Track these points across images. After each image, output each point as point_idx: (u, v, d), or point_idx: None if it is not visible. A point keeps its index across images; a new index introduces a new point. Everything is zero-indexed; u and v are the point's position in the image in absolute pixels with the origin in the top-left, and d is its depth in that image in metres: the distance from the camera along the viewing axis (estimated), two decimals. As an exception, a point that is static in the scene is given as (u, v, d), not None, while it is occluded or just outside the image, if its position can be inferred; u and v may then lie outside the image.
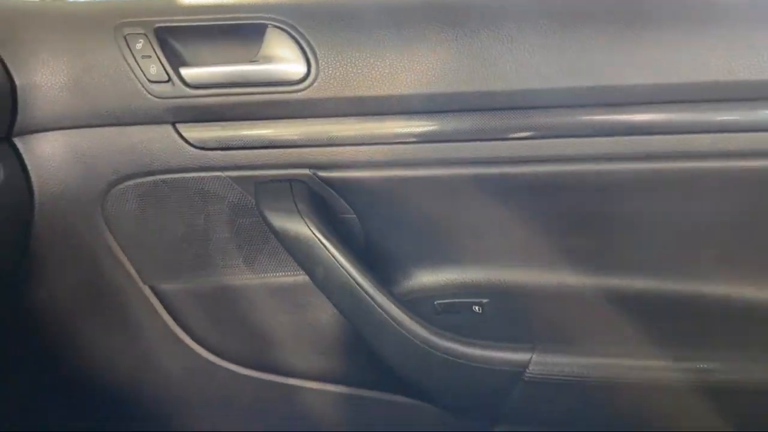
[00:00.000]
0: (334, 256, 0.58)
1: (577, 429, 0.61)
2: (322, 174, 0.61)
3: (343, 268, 0.58)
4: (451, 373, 0.58)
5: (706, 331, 0.60)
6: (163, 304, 0.70)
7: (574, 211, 0.61)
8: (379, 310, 0.58)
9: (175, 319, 0.70)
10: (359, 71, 0.56)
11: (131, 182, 0.63)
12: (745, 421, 0.58)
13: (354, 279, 0.58)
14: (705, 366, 0.56)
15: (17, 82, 0.57)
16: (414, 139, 0.59)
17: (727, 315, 0.61)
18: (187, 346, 0.71)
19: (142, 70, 0.58)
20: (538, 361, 0.57)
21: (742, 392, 0.57)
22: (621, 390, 0.57)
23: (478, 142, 0.58)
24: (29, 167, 0.61)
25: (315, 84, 0.56)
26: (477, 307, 0.63)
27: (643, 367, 0.57)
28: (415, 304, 0.62)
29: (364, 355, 0.69)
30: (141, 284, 0.69)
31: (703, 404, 0.57)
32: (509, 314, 0.62)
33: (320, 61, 0.56)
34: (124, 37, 0.57)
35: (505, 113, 0.57)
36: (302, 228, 0.59)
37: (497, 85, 0.55)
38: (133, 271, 0.68)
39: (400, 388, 0.69)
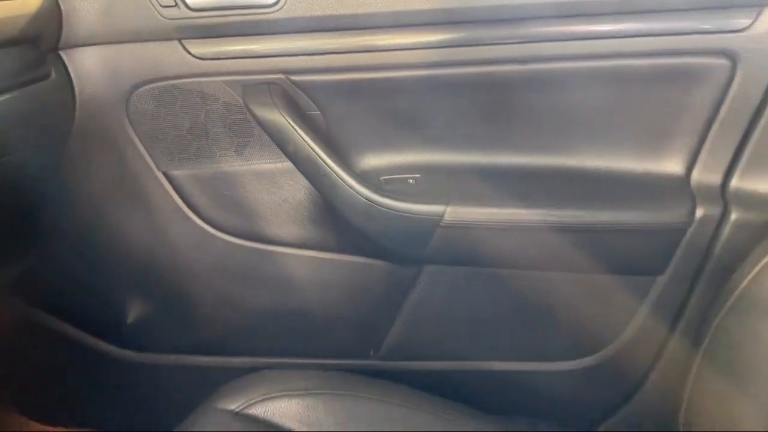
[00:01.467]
0: (302, 137, 0.77)
1: (484, 265, 0.81)
2: (293, 78, 0.79)
3: (308, 146, 0.77)
4: (390, 222, 0.78)
5: (586, 192, 0.79)
6: (173, 187, 0.88)
7: (486, 105, 0.80)
8: (336, 177, 0.77)
9: (182, 199, 0.89)
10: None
11: (148, 86, 0.81)
12: (603, 256, 0.78)
13: (317, 154, 0.77)
14: (578, 213, 0.76)
15: (62, 7, 0.75)
16: (362, 50, 0.77)
17: (606, 180, 0.80)
18: (192, 221, 0.90)
19: (154, 2, 0.75)
20: (450, 212, 0.76)
21: (605, 232, 0.77)
22: (513, 233, 0.77)
23: (413, 51, 0.76)
24: (72, 74, 0.79)
25: (284, 7, 0.74)
26: (411, 180, 0.82)
27: (529, 216, 0.77)
28: (365, 179, 0.81)
29: (329, 224, 0.88)
30: (156, 171, 0.87)
31: (575, 243, 0.77)
32: (434, 184, 0.81)
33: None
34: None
35: (441, 27, 0.75)
36: (278, 117, 0.77)
37: (435, 3, 0.72)
38: (149, 160, 0.86)
39: (357, 249, 0.89)
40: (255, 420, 0.67)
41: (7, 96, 0.68)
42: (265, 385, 0.70)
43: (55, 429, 1.06)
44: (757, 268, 0.62)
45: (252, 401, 0.68)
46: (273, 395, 0.68)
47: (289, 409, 0.68)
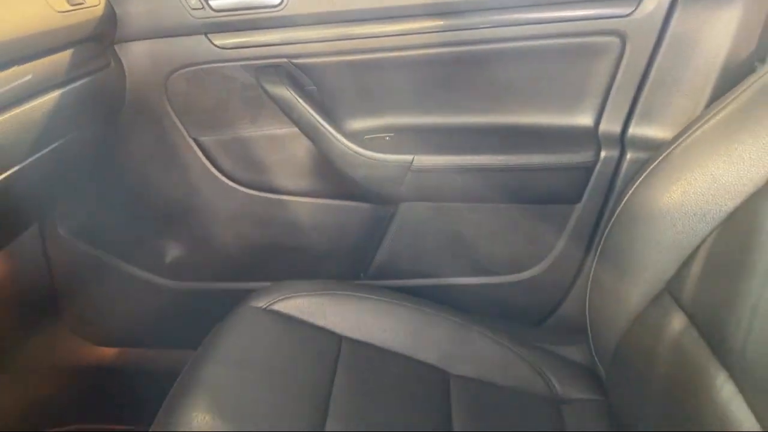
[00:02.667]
0: (304, 107, 0.99)
1: (445, 200, 1.04)
2: (294, 61, 1.01)
3: (309, 113, 0.99)
4: (372, 170, 1.01)
5: (520, 142, 1.02)
6: (201, 150, 1.10)
7: (442, 79, 1.03)
8: (330, 136, 1.00)
9: (208, 159, 1.11)
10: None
11: (181, 71, 1.02)
12: (534, 190, 1.01)
13: (316, 119, 0.99)
14: (514, 157, 0.99)
15: (117, 11, 0.96)
16: (347, 38, 0.98)
17: (534, 132, 1.03)
18: (216, 177, 1.12)
19: (187, 2, 0.96)
20: (417, 160, 1.00)
21: (535, 171, 1.00)
22: (465, 174, 1.00)
23: (385, 38, 0.98)
24: (124, 63, 1.00)
25: (287, 6, 0.95)
26: (387, 137, 1.05)
27: (478, 161, 1.00)
28: (353, 137, 1.03)
29: (326, 176, 1.11)
30: (188, 138, 1.09)
31: (512, 180, 1.01)
32: (404, 139, 1.04)
33: (289, -7, 0.95)
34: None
35: (406, 19, 0.96)
36: (285, 92, 0.99)
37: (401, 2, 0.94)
38: (183, 129, 1.08)
39: (347, 195, 1.11)
40: (277, 313, 0.90)
41: (82, 81, 0.90)
42: (284, 289, 0.92)
43: (108, 348, 1.28)
44: (633, 187, 0.85)
45: (275, 300, 0.90)
46: (290, 296, 0.91)
47: (302, 305, 0.90)
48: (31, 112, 0.79)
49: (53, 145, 0.85)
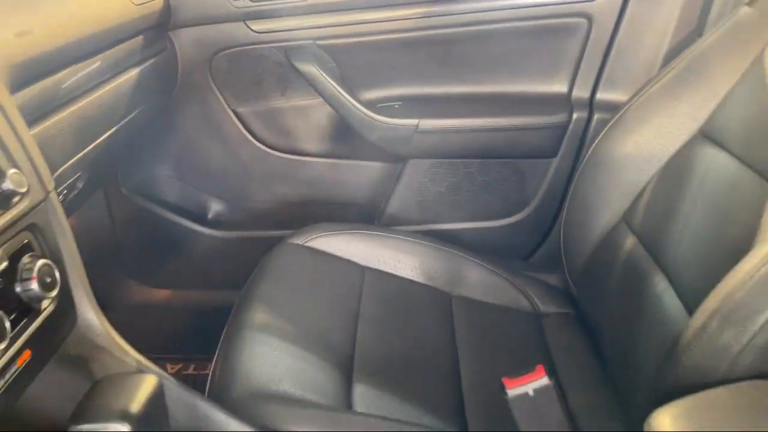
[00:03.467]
0: (327, 81, 1.18)
1: (445, 157, 1.24)
2: (318, 42, 1.19)
3: (331, 86, 1.18)
4: (384, 132, 1.20)
5: (506, 107, 1.21)
6: (238, 119, 1.29)
7: (440, 56, 1.22)
8: (350, 104, 1.19)
9: (245, 127, 1.30)
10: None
11: (224, 52, 1.20)
12: (519, 146, 1.21)
13: (338, 91, 1.18)
14: (501, 119, 1.19)
15: (171, 3, 1.13)
16: (361, 23, 1.17)
17: (518, 99, 1.22)
18: (251, 142, 1.31)
19: (230, -5, 1.15)
20: (422, 123, 1.19)
21: (519, 130, 1.19)
22: (461, 134, 1.19)
23: (394, 22, 1.17)
24: (176, 47, 1.18)
25: (311, -1, 1.14)
26: (396, 105, 1.24)
27: (471, 123, 1.19)
28: (368, 105, 1.22)
29: (345, 140, 1.30)
30: (228, 109, 1.28)
31: (501, 139, 1.20)
32: (410, 106, 1.23)
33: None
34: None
35: (409, 6, 1.15)
36: (311, 68, 1.18)
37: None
38: (224, 102, 1.27)
39: (363, 156, 1.30)
40: (313, 249, 1.09)
41: (149, 62, 1.08)
42: (318, 230, 1.11)
43: (161, 290, 1.48)
44: (597, 140, 1.04)
45: (310, 238, 1.10)
46: (322, 235, 1.10)
47: (332, 242, 1.10)
48: (113, 91, 0.97)
49: (128, 118, 1.04)
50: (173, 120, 1.27)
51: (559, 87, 1.22)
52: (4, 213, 0.57)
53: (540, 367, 0.80)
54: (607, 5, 1.12)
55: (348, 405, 0.82)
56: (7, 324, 0.54)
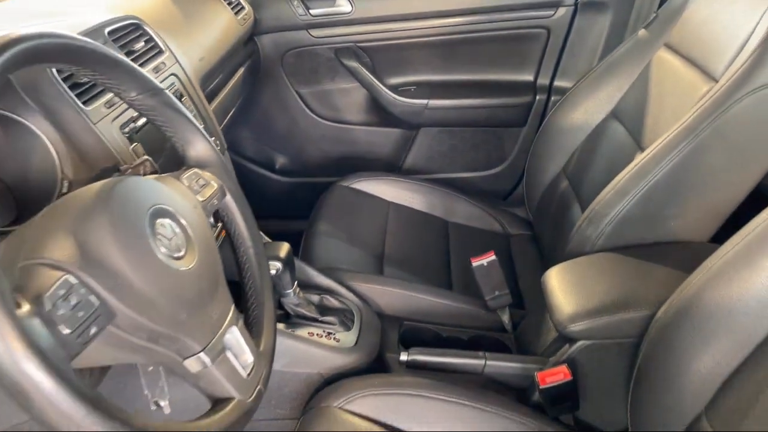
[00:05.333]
0: (363, 70, 1.62)
1: (446, 125, 1.68)
2: (358, 45, 1.64)
3: (367, 74, 1.63)
4: (403, 107, 1.66)
5: (492, 92, 1.65)
6: (300, 98, 1.75)
7: (445, 53, 1.65)
8: (379, 87, 1.64)
9: (305, 104, 1.77)
10: (371, 7, 1.56)
11: (291, 51, 1.66)
12: (499, 121, 1.65)
13: (371, 78, 1.63)
14: (487, 100, 1.63)
15: (256, 16, 1.57)
16: (389, 31, 1.60)
17: (499, 85, 1.66)
18: (309, 115, 1.78)
19: (294, 10, 1.58)
20: (430, 102, 1.64)
21: (500, 108, 1.64)
22: (458, 110, 1.64)
23: (411, 30, 1.60)
24: (260, 48, 1.63)
25: (354, 12, 1.57)
26: (412, 88, 1.68)
27: (466, 102, 1.63)
28: (391, 88, 1.67)
29: (375, 112, 1.75)
30: (293, 91, 1.73)
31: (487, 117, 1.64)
32: (422, 89, 1.68)
33: (355, 3, 1.56)
34: (289, 1, 1.57)
35: (422, 18, 1.58)
36: (353, 62, 1.62)
37: (421, 8, 1.56)
38: (291, 86, 1.72)
39: (388, 123, 1.75)
40: (355, 189, 1.55)
41: (248, 62, 1.53)
42: (359, 176, 1.57)
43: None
44: (550, 114, 1.48)
45: (353, 182, 1.56)
46: (361, 180, 1.57)
47: (367, 185, 1.56)
48: (235, 83, 1.43)
49: (240, 100, 1.50)
50: (254, 98, 1.73)
51: (527, 77, 1.66)
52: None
53: (491, 252, 1.26)
54: (560, 21, 1.55)
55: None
56: None
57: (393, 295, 1.18)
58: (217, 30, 1.29)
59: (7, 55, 0.47)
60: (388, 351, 1.11)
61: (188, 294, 0.56)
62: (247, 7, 1.54)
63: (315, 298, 1.08)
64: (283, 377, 0.99)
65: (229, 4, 1.44)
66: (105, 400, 0.44)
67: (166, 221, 0.58)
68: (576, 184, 1.34)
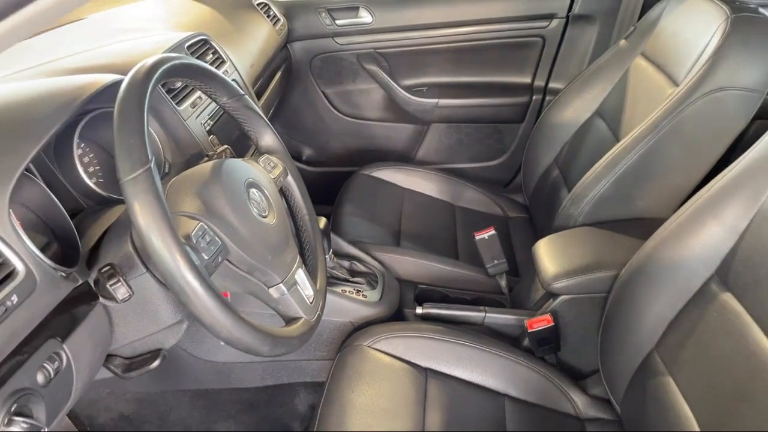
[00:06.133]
0: (381, 73, 1.83)
1: (454, 121, 1.89)
2: (377, 50, 1.85)
3: (384, 76, 1.84)
4: (416, 106, 1.86)
5: (494, 92, 1.86)
6: (325, 97, 1.97)
7: (452, 59, 1.85)
8: (396, 88, 1.84)
9: (329, 102, 1.98)
10: (388, 18, 1.77)
11: (319, 56, 1.88)
12: (499, 118, 1.86)
13: (388, 79, 1.84)
14: (489, 100, 1.83)
15: (289, 26, 1.78)
16: (403, 39, 1.81)
17: (499, 87, 1.86)
18: (333, 112, 1.99)
19: (322, 21, 1.79)
20: (440, 101, 1.85)
21: (500, 107, 1.84)
22: (464, 108, 1.85)
23: (423, 38, 1.81)
24: (291, 53, 1.84)
25: (373, 22, 1.78)
26: (424, 89, 1.89)
27: (472, 102, 1.84)
28: (405, 89, 1.87)
29: (391, 109, 1.96)
30: (319, 90, 1.95)
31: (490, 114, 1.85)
32: (433, 90, 1.88)
33: (375, 15, 1.77)
34: (317, 13, 1.78)
35: (432, 28, 1.79)
36: (373, 66, 1.84)
37: (431, 19, 1.77)
38: (317, 87, 1.94)
39: (402, 119, 1.96)
40: (374, 177, 1.77)
41: (283, 67, 1.74)
42: (378, 166, 1.79)
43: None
44: (545, 112, 1.68)
45: (373, 170, 1.77)
46: (380, 168, 1.78)
47: (385, 173, 1.77)
48: (277, 84, 1.64)
49: (276, 102, 1.71)
50: (286, 98, 1.94)
51: (525, 79, 1.87)
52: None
53: (491, 227, 1.47)
54: (554, 31, 1.76)
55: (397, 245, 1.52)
56: None
57: (409, 263, 1.40)
58: (260, 40, 1.51)
59: (157, 74, 0.68)
60: (405, 307, 1.32)
61: (272, 241, 0.77)
62: (282, 19, 1.75)
63: (346, 263, 1.30)
64: (322, 325, 1.21)
65: (268, 16, 1.65)
66: (230, 303, 0.65)
67: (256, 191, 0.79)
68: (565, 172, 1.55)
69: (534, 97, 1.85)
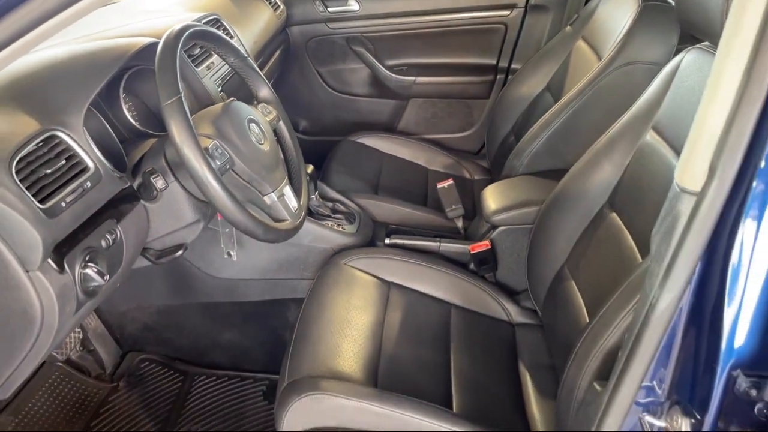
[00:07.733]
0: (368, 54, 2.08)
1: (431, 97, 2.14)
2: (364, 35, 2.11)
3: (370, 57, 2.09)
4: (396, 83, 2.11)
5: (460, 69, 2.11)
6: (320, 76, 2.22)
7: (427, 42, 2.10)
8: (379, 67, 2.09)
9: (323, 80, 2.22)
10: (373, 6, 2.02)
11: (313, 39, 2.14)
12: (469, 95, 2.11)
13: (372, 60, 2.09)
14: (463, 78, 2.08)
15: (287, 12, 2.03)
16: (388, 23, 2.06)
17: (467, 67, 2.11)
18: (326, 88, 2.24)
19: (316, 8, 2.04)
20: (417, 79, 2.09)
21: (469, 83, 2.09)
22: (438, 86, 2.10)
23: (403, 23, 2.06)
24: (289, 36, 2.09)
25: (360, 11, 2.03)
26: (404, 68, 2.14)
27: (444, 79, 2.09)
28: (389, 68, 2.12)
29: (378, 86, 2.21)
30: (314, 69, 2.20)
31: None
32: (411, 69, 2.13)
33: (361, 3, 2.02)
34: (312, 1, 2.03)
35: (413, 16, 2.04)
36: (360, 48, 2.09)
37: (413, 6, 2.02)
38: (312, 65, 2.19)
39: (386, 95, 2.21)
40: (359, 143, 2.01)
41: (281, 47, 1.98)
42: (361, 134, 2.04)
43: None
44: (505, 87, 1.93)
45: (357, 137, 2.02)
46: (364, 136, 2.03)
47: (369, 140, 2.02)
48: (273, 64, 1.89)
49: (275, 76, 1.97)
50: (284, 75, 2.19)
51: (491, 60, 2.12)
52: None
53: (450, 178, 1.72)
54: (515, 19, 2.02)
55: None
56: None
57: (383, 208, 1.66)
58: (262, 23, 1.76)
59: (185, 35, 0.94)
60: (378, 241, 1.58)
61: (266, 161, 1.03)
62: (282, 6, 2.00)
63: (330, 204, 1.56)
64: (309, 250, 1.46)
65: (270, 3, 1.90)
66: (239, 199, 0.91)
67: (254, 125, 1.05)
68: (518, 138, 1.80)
69: (498, 77, 2.10)
